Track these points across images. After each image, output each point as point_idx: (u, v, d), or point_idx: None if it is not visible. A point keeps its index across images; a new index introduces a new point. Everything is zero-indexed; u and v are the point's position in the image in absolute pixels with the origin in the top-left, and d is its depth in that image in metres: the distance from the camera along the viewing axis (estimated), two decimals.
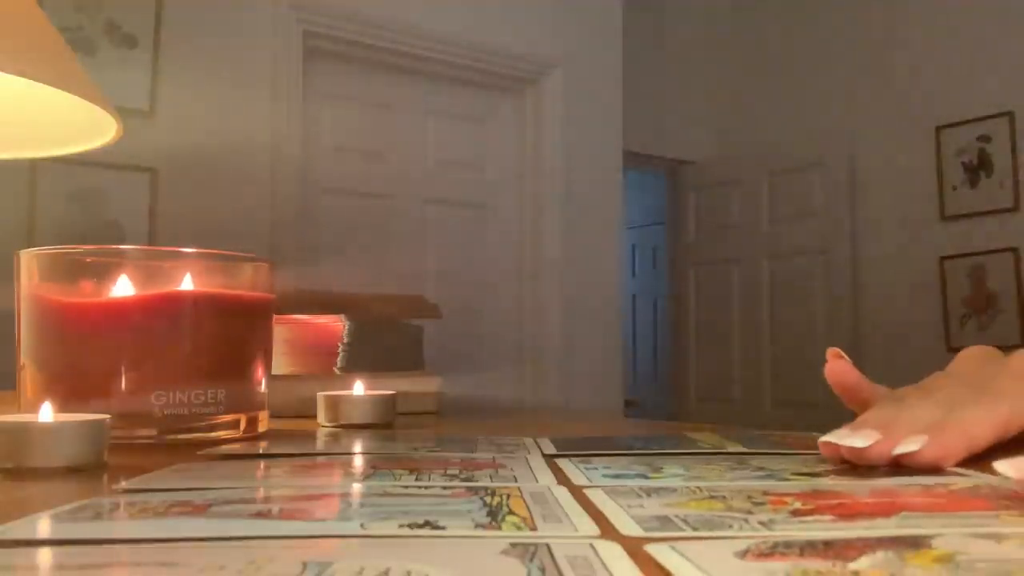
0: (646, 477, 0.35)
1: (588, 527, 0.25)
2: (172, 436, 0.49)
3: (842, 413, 0.53)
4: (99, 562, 0.22)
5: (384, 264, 2.90)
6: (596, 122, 3.37)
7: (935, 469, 0.36)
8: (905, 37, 3.49)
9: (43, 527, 0.26)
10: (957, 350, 0.50)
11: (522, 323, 3.28)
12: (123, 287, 0.50)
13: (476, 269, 3.21)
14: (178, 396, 0.49)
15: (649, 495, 0.30)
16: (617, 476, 0.35)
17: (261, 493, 0.33)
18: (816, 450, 0.42)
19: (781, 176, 3.83)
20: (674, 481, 0.35)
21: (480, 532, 0.24)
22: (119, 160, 2.38)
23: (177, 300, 0.51)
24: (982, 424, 0.39)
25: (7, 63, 0.59)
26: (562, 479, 0.34)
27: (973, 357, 0.47)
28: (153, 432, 0.49)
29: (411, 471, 0.35)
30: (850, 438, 0.38)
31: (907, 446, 0.37)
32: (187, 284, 0.51)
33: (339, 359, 0.81)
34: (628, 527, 0.25)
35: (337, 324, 0.82)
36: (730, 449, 0.44)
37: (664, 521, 0.26)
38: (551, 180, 3.28)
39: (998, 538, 0.23)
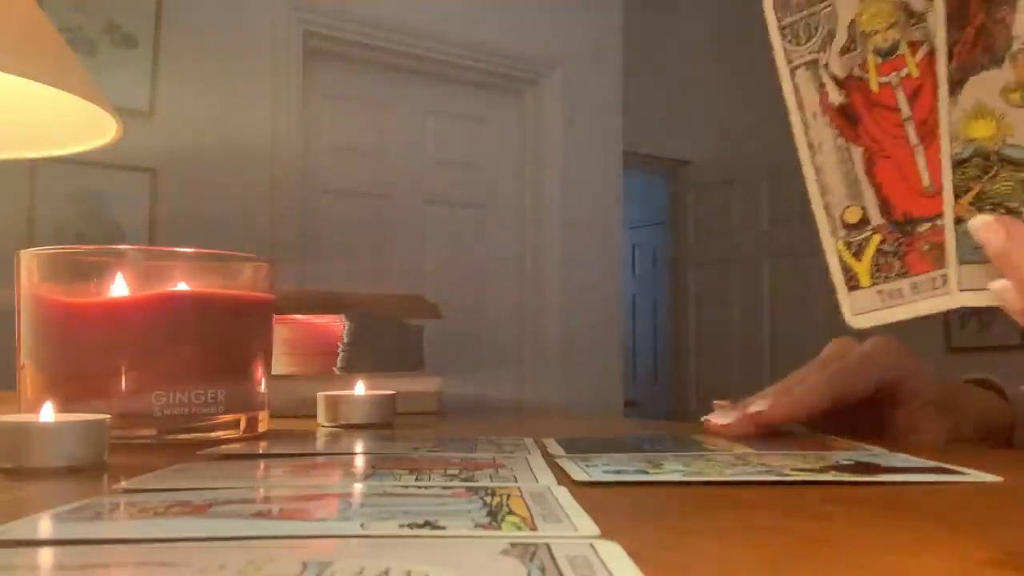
0: (646, 473, 0.35)
1: (588, 527, 0.25)
2: (172, 436, 0.49)
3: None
4: (99, 562, 0.22)
5: (384, 264, 2.91)
6: (596, 122, 3.37)
7: (784, 422, 0.48)
8: None
9: (43, 527, 0.26)
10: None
11: (522, 323, 3.28)
12: (123, 287, 0.50)
13: (476, 269, 3.21)
14: (178, 396, 0.49)
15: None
16: (618, 472, 0.35)
17: (261, 493, 0.33)
18: (823, 449, 0.43)
19: (781, 176, 3.83)
20: (674, 477, 0.35)
21: (480, 532, 0.24)
22: (119, 160, 2.38)
23: (177, 300, 0.51)
24: (817, 388, 0.48)
25: (7, 63, 0.59)
26: (562, 478, 0.34)
27: (837, 343, 0.54)
28: (153, 432, 0.49)
29: (411, 471, 0.35)
30: (715, 417, 0.51)
31: (755, 407, 0.48)
32: (187, 284, 0.51)
33: (339, 359, 0.81)
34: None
35: (337, 324, 0.82)
36: (736, 451, 0.44)
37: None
38: (551, 180, 3.28)
39: None
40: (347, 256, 2.82)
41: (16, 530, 0.25)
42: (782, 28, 0.42)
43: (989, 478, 0.35)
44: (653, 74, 3.90)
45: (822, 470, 0.36)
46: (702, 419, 0.51)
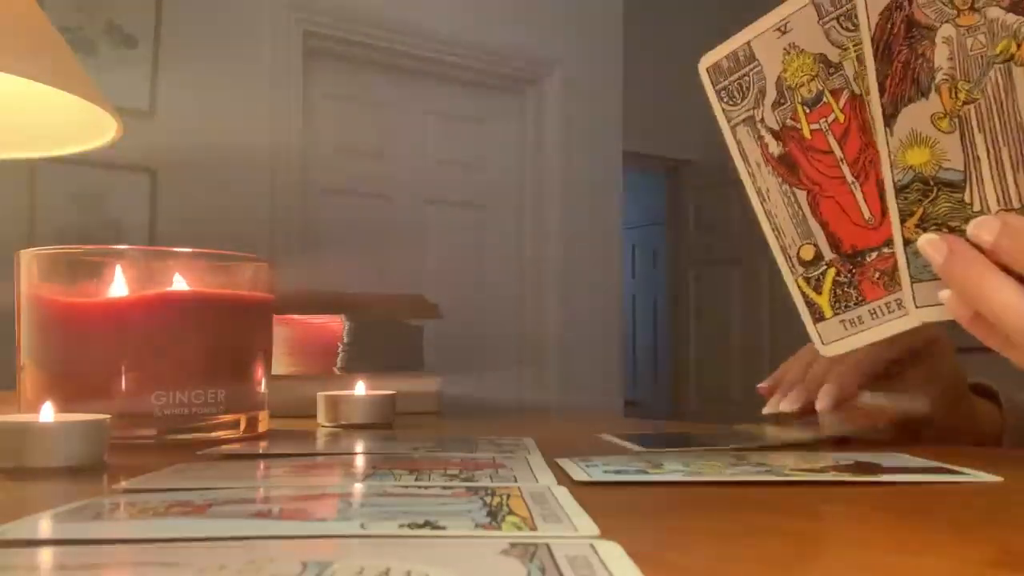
0: (646, 473, 0.35)
1: (588, 527, 0.25)
2: (172, 436, 0.49)
3: None
4: (99, 562, 0.22)
5: (384, 264, 2.90)
6: (596, 122, 3.37)
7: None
8: None
9: (43, 527, 0.26)
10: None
11: (522, 323, 3.28)
12: (123, 287, 0.50)
13: (476, 269, 3.21)
14: (178, 396, 0.49)
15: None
16: (618, 472, 0.35)
17: (261, 493, 0.33)
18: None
19: None
20: (674, 477, 0.35)
21: (480, 532, 0.24)
22: (119, 160, 2.38)
23: (177, 300, 0.51)
24: (858, 366, 0.55)
25: (7, 63, 0.59)
26: (562, 478, 0.34)
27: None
28: (153, 432, 0.49)
29: (411, 471, 0.35)
30: (783, 403, 0.56)
31: (821, 403, 0.54)
32: (187, 284, 0.51)
33: (339, 359, 0.81)
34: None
35: (337, 324, 0.82)
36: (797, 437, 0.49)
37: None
38: (551, 180, 3.28)
39: None
40: (347, 256, 2.82)
41: (16, 530, 0.25)
42: (718, 91, 0.47)
43: (989, 478, 0.35)
44: (653, 74, 3.90)
45: (822, 470, 0.36)
46: (764, 411, 0.57)
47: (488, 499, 0.29)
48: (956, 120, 0.39)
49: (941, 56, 0.39)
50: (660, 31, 3.98)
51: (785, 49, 0.44)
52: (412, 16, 2.95)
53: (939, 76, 0.39)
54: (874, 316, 0.43)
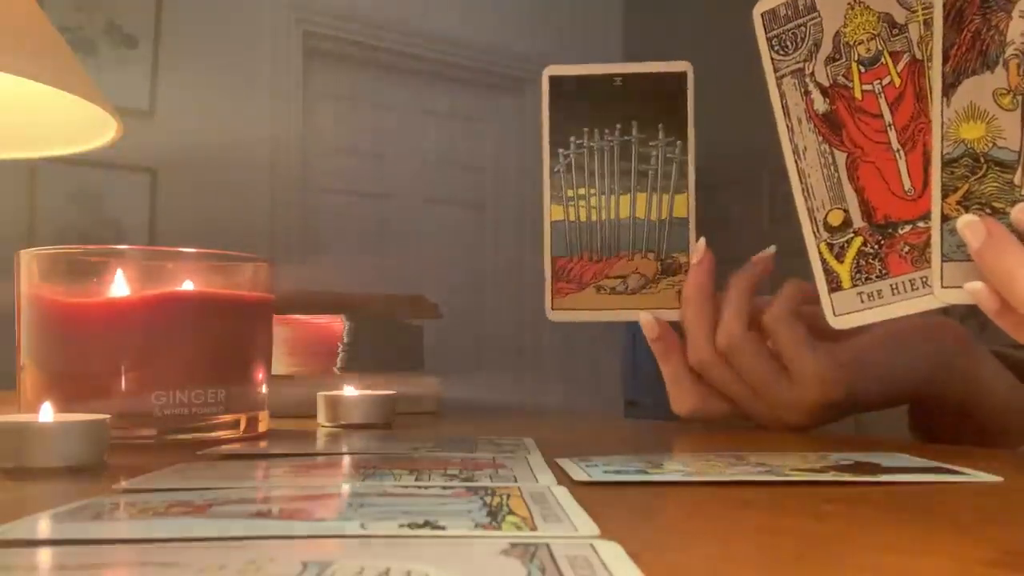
0: (646, 473, 0.35)
1: (588, 527, 0.25)
2: (172, 436, 0.49)
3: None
4: (99, 562, 0.22)
5: (384, 264, 2.90)
6: None
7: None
8: None
9: (43, 527, 0.26)
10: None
11: (522, 323, 3.28)
12: (123, 287, 0.50)
13: (476, 269, 3.21)
14: (178, 396, 0.49)
15: None
16: (618, 472, 0.35)
17: (261, 493, 0.33)
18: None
19: (781, 175, 3.82)
20: (674, 477, 0.35)
21: (480, 532, 0.24)
22: (119, 160, 2.38)
23: (177, 300, 0.51)
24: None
25: (7, 63, 0.59)
26: (562, 478, 0.34)
27: None
28: (153, 432, 0.49)
29: (411, 471, 0.35)
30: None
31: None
32: (187, 284, 0.51)
33: (339, 359, 0.81)
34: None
35: (337, 324, 0.82)
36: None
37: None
38: None
39: None
40: (347, 256, 2.82)
41: (16, 530, 0.25)
42: (769, 38, 0.44)
43: (989, 478, 0.35)
44: None
45: (822, 470, 0.36)
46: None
47: (488, 499, 0.29)
48: (1019, 98, 0.37)
49: (1015, 30, 0.37)
50: (661, 31, 3.98)
51: (850, 3, 0.42)
52: (412, 16, 2.95)
53: (1009, 51, 0.38)
54: (895, 291, 0.42)
